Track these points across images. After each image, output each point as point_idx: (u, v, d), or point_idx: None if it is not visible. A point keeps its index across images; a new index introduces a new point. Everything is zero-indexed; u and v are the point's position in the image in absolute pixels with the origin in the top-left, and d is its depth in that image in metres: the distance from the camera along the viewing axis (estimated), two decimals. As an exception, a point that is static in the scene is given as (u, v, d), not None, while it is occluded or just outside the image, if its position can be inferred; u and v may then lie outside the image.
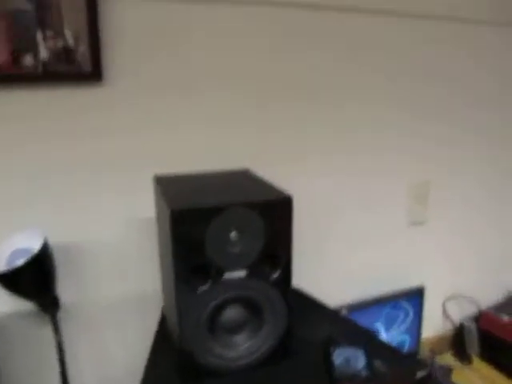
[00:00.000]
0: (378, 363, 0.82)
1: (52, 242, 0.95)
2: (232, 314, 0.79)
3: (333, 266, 1.39)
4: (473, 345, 1.58)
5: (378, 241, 1.45)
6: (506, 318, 1.56)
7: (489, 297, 1.74)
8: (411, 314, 1.51)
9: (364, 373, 0.78)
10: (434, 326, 1.66)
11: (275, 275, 0.78)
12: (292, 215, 0.77)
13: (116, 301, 1.12)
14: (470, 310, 1.68)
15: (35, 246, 0.90)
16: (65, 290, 1.04)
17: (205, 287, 0.74)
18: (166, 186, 0.84)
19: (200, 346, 0.77)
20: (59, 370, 0.96)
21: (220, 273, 0.74)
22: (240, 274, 0.75)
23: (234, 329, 0.80)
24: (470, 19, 1.40)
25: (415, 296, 1.51)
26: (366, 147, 1.35)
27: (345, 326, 0.96)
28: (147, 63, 1.04)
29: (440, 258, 1.61)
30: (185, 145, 1.11)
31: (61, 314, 1.02)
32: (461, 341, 1.62)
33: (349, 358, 0.82)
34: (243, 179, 0.91)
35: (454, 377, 1.51)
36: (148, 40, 1.03)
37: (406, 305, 1.49)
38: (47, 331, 1.03)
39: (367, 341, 0.88)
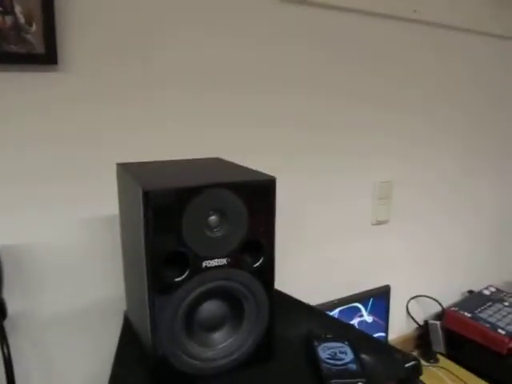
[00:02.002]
0: (364, 356, 0.78)
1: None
2: (210, 308, 0.72)
3: (298, 265, 1.35)
4: (438, 343, 1.58)
5: (344, 240, 1.43)
6: (467, 316, 1.58)
7: (453, 297, 1.77)
8: (378, 314, 1.49)
9: (353, 366, 0.73)
10: (398, 326, 1.65)
11: (257, 264, 0.72)
12: (275, 199, 0.71)
13: (70, 308, 1.01)
14: (434, 310, 1.69)
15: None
16: (10, 298, 0.92)
17: (181, 278, 0.67)
18: (134, 171, 0.76)
19: (175, 347, 0.69)
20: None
21: (198, 262, 0.67)
22: (220, 262, 0.69)
23: (213, 326, 0.73)
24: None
25: (382, 296, 1.50)
26: (331, 144, 1.33)
27: (325, 321, 0.91)
28: (112, 51, 0.96)
29: (403, 258, 1.61)
30: (147, 143, 1.03)
31: (7, 326, 0.90)
32: (426, 340, 1.62)
33: (335, 352, 0.77)
34: (218, 164, 0.85)
35: (421, 376, 1.50)
36: (114, 26, 0.95)
37: (372, 305, 1.47)
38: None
39: (350, 334, 0.83)
